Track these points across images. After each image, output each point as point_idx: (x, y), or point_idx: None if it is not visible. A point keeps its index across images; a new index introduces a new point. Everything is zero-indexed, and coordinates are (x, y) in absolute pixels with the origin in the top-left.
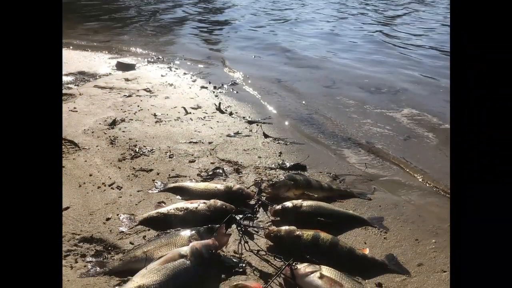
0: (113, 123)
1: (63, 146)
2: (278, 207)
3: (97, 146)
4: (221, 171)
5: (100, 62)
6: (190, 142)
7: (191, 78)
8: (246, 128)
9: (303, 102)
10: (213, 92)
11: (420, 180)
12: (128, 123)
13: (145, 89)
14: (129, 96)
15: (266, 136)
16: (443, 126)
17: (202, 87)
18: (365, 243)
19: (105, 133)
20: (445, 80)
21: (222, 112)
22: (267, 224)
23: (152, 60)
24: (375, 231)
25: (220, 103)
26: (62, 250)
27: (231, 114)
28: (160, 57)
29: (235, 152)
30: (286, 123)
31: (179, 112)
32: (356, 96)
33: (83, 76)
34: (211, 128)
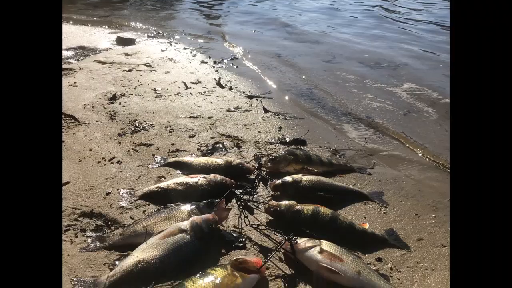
0: (113, 98)
1: (63, 121)
2: (278, 181)
3: (97, 121)
4: (221, 145)
5: (100, 37)
6: (190, 117)
7: (191, 53)
8: (246, 103)
9: (303, 76)
10: (213, 67)
11: (420, 154)
12: (128, 98)
13: (145, 64)
14: (129, 71)
15: (266, 111)
16: (443, 100)
17: (202, 61)
18: (365, 217)
19: (105, 108)
20: (445, 55)
21: (222, 86)
22: (267, 199)
23: (152, 35)
24: (375, 205)
25: (220, 78)
26: (62, 224)
27: (231, 88)
28: (160, 32)
29: (235, 127)
30: (286, 97)
31: (179, 87)
32: (356, 71)
33: (83, 51)
34: (211, 103)
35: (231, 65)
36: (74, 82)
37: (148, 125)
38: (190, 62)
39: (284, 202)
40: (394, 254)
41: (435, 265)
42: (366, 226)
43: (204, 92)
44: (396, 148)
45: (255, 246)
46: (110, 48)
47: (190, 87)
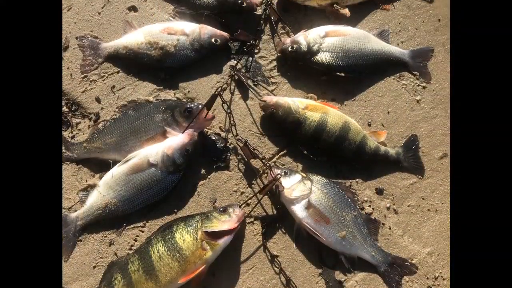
0: None
1: None
2: (287, 44)
3: None
4: None
5: None
6: None
7: None
8: None
9: None
10: None
11: None
12: None
13: None
14: None
15: None
16: None
17: None
18: (388, 112)
19: None
20: None
21: None
22: (269, 64)
23: None
24: (411, 82)
25: None
26: None
27: None
28: None
29: None
30: None
31: None
32: None
33: None
34: None
35: None
36: None
37: None
38: None
39: (284, 102)
40: (401, 183)
41: (442, 205)
42: (383, 136)
43: None
44: None
45: (240, 166)
46: None
47: None
